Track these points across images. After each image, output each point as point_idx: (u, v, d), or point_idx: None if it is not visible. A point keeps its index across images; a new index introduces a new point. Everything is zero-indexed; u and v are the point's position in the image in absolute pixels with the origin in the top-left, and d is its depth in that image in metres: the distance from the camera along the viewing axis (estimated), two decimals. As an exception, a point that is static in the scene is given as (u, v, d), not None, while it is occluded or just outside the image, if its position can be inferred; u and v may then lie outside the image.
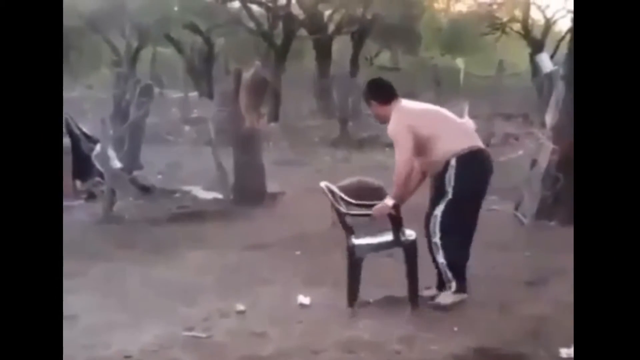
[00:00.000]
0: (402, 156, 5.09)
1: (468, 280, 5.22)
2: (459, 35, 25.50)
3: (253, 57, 19.33)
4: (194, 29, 22.85)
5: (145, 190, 9.35)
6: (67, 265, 6.05)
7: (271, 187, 9.09)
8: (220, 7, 22.03)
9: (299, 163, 12.22)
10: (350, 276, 5.15)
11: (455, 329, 4.60)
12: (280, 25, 21.87)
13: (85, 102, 14.99)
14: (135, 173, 9.89)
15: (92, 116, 11.29)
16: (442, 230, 5.13)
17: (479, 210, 5.32)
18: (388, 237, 5.17)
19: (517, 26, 28.10)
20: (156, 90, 11.80)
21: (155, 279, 5.85)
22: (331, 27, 22.59)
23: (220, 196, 9.05)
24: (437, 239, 5.15)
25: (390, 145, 14.62)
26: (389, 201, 5.11)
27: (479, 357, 4.23)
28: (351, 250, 5.17)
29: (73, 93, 16.63)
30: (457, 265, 5.19)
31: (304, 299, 5.20)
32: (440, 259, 5.17)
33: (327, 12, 22.64)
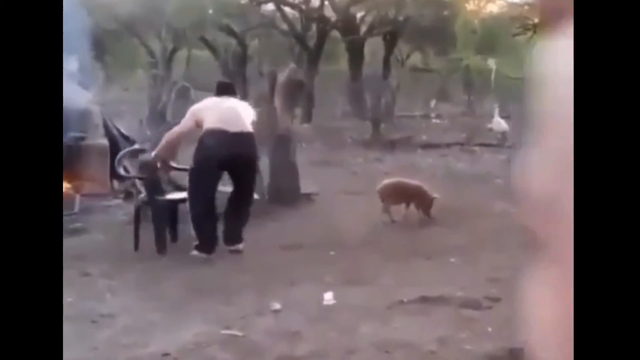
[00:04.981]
0: (177, 127, 6.85)
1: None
2: (490, 36, 25.36)
3: (287, 59, 19.43)
4: (229, 31, 22.99)
5: (182, 189, 9.44)
6: (105, 266, 6.26)
7: (305, 187, 9.15)
8: (255, 9, 22.16)
9: (332, 164, 12.28)
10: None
11: (490, 329, 4.63)
12: (314, 27, 21.95)
13: (122, 104, 15.17)
14: (172, 173, 9.99)
15: (129, 117, 11.42)
16: (188, 194, 6.57)
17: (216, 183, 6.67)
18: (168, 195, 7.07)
19: (549, 26, 27.81)
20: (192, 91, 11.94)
21: (192, 278, 5.95)
22: (363, 29, 22.61)
23: (255, 196, 9.13)
24: (187, 202, 6.57)
25: (423, 146, 14.57)
26: (153, 153, 6.93)
27: (514, 358, 4.25)
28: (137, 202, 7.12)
29: (110, 95, 16.83)
30: (200, 227, 6.47)
31: (328, 298, 5.28)
32: (190, 218, 6.54)
33: (360, 14, 22.67)
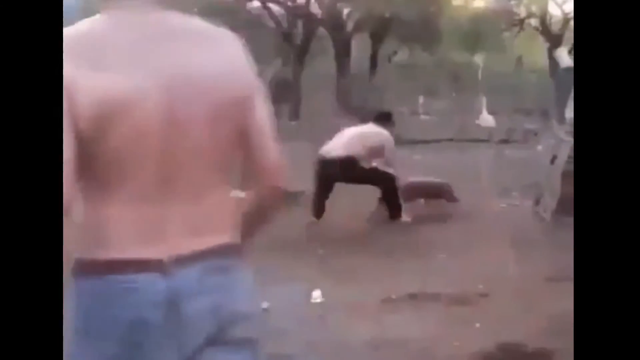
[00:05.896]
0: None
1: None
2: (477, 32, 25.42)
3: (273, 56, 19.42)
4: (215, 29, 22.92)
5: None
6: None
7: (291, 185, 9.09)
8: (241, 6, 22.11)
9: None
10: None
11: (478, 325, 4.62)
12: (300, 24, 21.92)
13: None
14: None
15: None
16: None
17: None
18: None
19: (535, 22, 27.97)
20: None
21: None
22: (350, 26, 22.59)
23: (242, 195, 9.09)
24: None
25: (411, 142, 14.54)
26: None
27: (502, 353, 4.24)
28: None
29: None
30: None
31: (316, 295, 5.25)
32: None
33: (346, 11, 22.66)
